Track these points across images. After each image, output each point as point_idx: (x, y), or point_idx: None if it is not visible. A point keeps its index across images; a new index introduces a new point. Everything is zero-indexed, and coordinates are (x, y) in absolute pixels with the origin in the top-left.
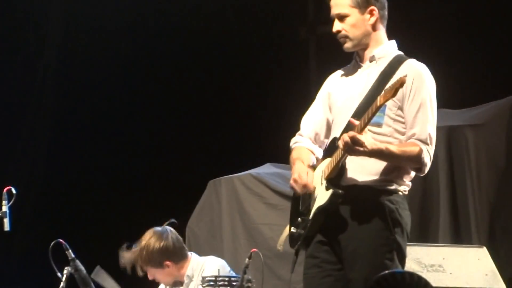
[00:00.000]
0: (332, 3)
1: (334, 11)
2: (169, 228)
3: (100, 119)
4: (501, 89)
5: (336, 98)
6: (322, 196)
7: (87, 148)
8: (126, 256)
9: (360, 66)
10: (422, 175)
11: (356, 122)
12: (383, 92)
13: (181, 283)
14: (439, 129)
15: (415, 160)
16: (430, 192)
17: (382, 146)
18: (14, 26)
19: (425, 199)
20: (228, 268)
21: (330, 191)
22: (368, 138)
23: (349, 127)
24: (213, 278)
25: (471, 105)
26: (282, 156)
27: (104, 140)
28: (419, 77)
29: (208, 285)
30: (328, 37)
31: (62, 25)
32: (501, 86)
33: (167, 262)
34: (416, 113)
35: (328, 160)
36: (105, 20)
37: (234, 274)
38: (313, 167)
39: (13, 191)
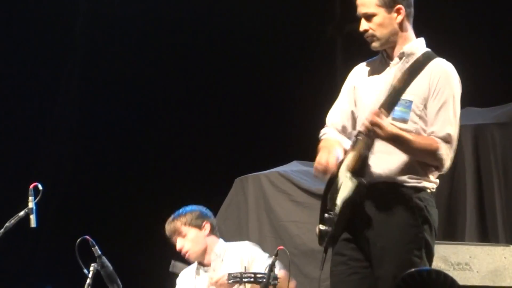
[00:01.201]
0: (358, 2)
1: (361, 10)
2: None
3: (126, 117)
4: None
5: (362, 93)
6: (347, 188)
7: (113, 146)
8: (171, 224)
9: (388, 64)
10: (442, 173)
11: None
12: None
13: (204, 262)
14: (465, 127)
15: (432, 155)
16: (457, 190)
17: (400, 132)
18: (42, 24)
19: (452, 197)
20: (257, 248)
21: (355, 181)
22: (386, 121)
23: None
24: (239, 275)
25: (497, 103)
26: (309, 153)
27: (131, 138)
28: (445, 76)
29: (234, 281)
30: (355, 35)
31: (88, 25)
32: None
33: (206, 223)
34: (438, 112)
35: (352, 153)
36: (128, 20)
37: (264, 256)
38: (339, 162)
39: (40, 187)
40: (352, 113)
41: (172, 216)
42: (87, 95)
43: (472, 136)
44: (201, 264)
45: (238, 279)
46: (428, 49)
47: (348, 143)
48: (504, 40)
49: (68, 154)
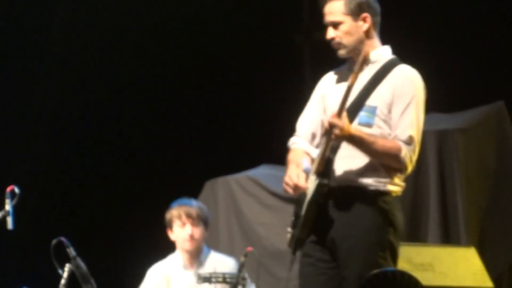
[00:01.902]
0: (326, 10)
1: (328, 18)
2: None
3: (100, 120)
4: (489, 94)
5: (331, 101)
6: (310, 190)
7: (87, 149)
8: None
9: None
10: (405, 175)
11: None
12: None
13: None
14: (429, 132)
15: (394, 158)
16: (421, 194)
17: (360, 133)
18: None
19: (416, 200)
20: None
21: (316, 181)
22: (345, 122)
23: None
24: (208, 275)
25: (460, 109)
26: (277, 157)
27: (104, 141)
28: (408, 81)
29: (204, 281)
30: (323, 43)
31: (65, 23)
32: (489, 92)
33: (208, 226)
34: (401, 115)
35: (317, 157)
36: (106, 19)
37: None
38: (308, 172)
39: (16, 190)
40: (322, 121)
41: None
42: (62, 100)
43: (435, 141)
44: (187, 262)
45: (206, 279)
46: (394, 56)
47: (316, 152)
48: (467, 48)
49: (44, 158)
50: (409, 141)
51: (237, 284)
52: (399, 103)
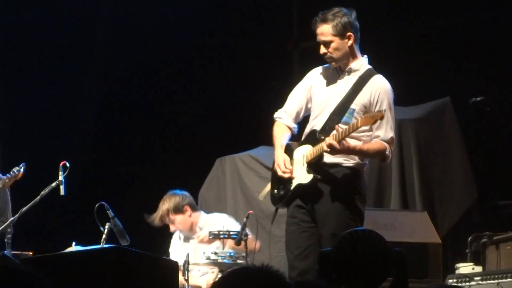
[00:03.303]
0: (318, 32)
1: (320, 38)
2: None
3: (133, 108)
4: (438, 91)
5: (317, 92)
6: (303, 175)
7: (122, 131)
8: (155, 215)
9: (339, 75)
10: (385, 163)
11: (340, 129)
12: (364, 117)
13: (192, 234)
14: None
15: (381, 156)
16: (385, 170)
17: (355, 147)
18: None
19: (381, 174)
20: (231, 219)
21: (311, 176)
22: (344, 146)
23: (328, 125)
24: (217, 232)
25: (415, 103)
26: (271, 140)
27: (135, 125)
28: (384, 91)
29: (214, 237)
30: (309, 51)
31: (111, 26)
32: (438, 89)
33: (186, 207)
34: (380, 120)
35: (309, 147)
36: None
37: (236, 224)
38: (291, 148)
39: (67, 164)
40: (306, 104)
41: (158, 211)
42: (104, 92)
43: (396, 129)
44: (188, 233)
45: (216, 235)
46: (370, 66)
47: (296, 127)
48: (423, 54)
49: (89, 140)
50: (391, 141)
51: (240, 239)
52: (377, 109)
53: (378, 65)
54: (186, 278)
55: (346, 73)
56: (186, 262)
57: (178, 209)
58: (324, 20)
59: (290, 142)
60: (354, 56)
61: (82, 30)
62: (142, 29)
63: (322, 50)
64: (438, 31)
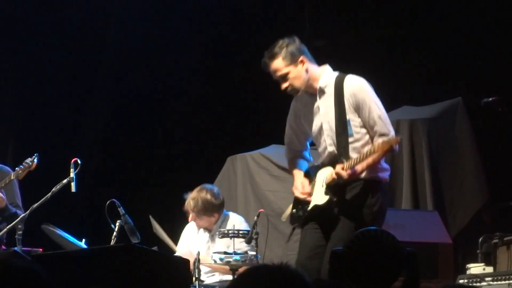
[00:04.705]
0: (271, 69)
1: (277, 74)
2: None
3: (144, 107)
4: (450, 91)
5: (307, 123)
6: (320, 196)
7: (133, 130)
8: (189, 199)
9: (315, 99)
10: (396, 153)
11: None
12: (380, 143)
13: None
14: (403, 121)
15: (389, 151)
16: (396, 170)
17: (362, 169)
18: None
19: (393, 174)
20: (245, 223)
21: (327, 197)
22: (351, 173)
23: (341, 147)
24: (226, 231)
25: (427, 103)
26: (283, 139)
27: (146, 124)
28: (358, 90)
29: (223, 236)
30: (322, 50)
31: (120, 32)
32: (450, 90)
33: (216, 214)
34: (369, 115)
35: (330, 169)
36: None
37: (247, 228)
38: (314, 170)
39: (79, 161)
40: (303, 132)
41: (191, 200)
42: (115, 93)
43: (408, 128)
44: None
45: (226, 235)
46: (336, 72)
47: (308, 150)
48: (435, 56)
49: (99, 138)
50: (388, 131)
51: (251, 238)
52: (363, 108)
53: (391, 66)
54: (196, 276)
55: (320, 94)
56: (197, 260)
57: (206, 211)
58: (273, 56)
59: (313, 164)
60: (316, 75)
61: (94, 29)
62: (153, 29)
63: (283, 86)
64: (451, 31)
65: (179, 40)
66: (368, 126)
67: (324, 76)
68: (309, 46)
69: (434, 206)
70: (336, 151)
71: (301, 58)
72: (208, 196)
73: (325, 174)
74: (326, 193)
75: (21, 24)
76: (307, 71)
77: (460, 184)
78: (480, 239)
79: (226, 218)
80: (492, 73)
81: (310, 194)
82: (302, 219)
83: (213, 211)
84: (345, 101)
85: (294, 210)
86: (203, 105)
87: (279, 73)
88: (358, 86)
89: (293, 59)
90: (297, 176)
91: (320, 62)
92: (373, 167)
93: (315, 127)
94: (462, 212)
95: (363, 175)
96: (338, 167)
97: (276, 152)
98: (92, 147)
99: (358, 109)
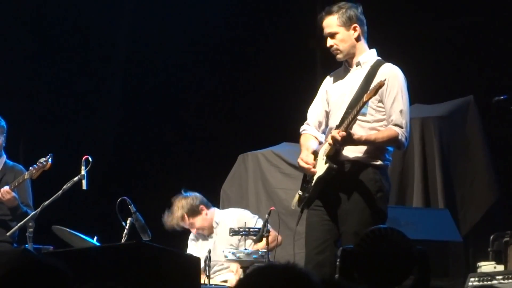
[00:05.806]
0: (324, 24)
1: (326, 30)
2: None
3: (156, 103)
4: (461, 90)
5: (331, 94)
6: (321, 168)
7: (144, 129)
8: (170, 222)
9: (349, 71)
10: (402, 150)
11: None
12: (368, 91)
13: (210, 231)
14: (414, 119)
15: (393, 142)
16: (407, 168)
17: (360, 138)
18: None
19: (403, 173)
20: (246, 211)
21: (327, 165)
22: (348, 137)
23: (344, 119)
24: (237, 229)
25: (439, 101)
26: (294, 137)
27: (160, 122)
28: (393, 76)
29: (234, 234)
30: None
31: (129, 35)
32: (462, 88)
33: (201, 207)
34: (392, 104)
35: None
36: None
37: (251, 216)
38: (316, 152)
39: (90, 159)
40: (326, 112)
41: (171, 216)
42: (126, 91)
43: (419, 126)
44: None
45: (236, 233)
46: (379, 58)
47: (322, 136)
48: (447, 54)
49: (111, 136)
50: (403, 125)
51: (262, 236)
52: (389, 95)
53: (402, 63)
54: (208, 274)
55: (355, 66)
56: (208, 258)
57: (194, 211)
58: (330, 12)
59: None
60: (361, 49)
61: (106, 27)
62: (165, 26)
63: (329, 42)
64: (463, 29)
65: (193, 37)
66: (387, 113)
67: (367, 53)
68: (320, 44)
69: (445, 204)
70: (335, 124)
71: (355, 24)
72: (187, 200)
73: (324, 148)
74: (325, 163)
75: (32, 23)
76: (356, 39)
77: (471, 182)
78: (491, 237)
79: (222, 214)
80: (503, 71)
81: (314, 166)
82: (307, 198)
83: (200, 208)
84: (373, 83)
85: (300, 192)
86: (215, 103)
87: (328, 30)
88: (392, 73)
89: (347, 23)
90: (304, 150)
91: (331, 61)
92: (374, 150)
93: (336, 99)
94: (473, 210)
95: (369, 160)
96: (334, 132)
97: (287, 150)
98: (103, 143)
99: (383, 94)
